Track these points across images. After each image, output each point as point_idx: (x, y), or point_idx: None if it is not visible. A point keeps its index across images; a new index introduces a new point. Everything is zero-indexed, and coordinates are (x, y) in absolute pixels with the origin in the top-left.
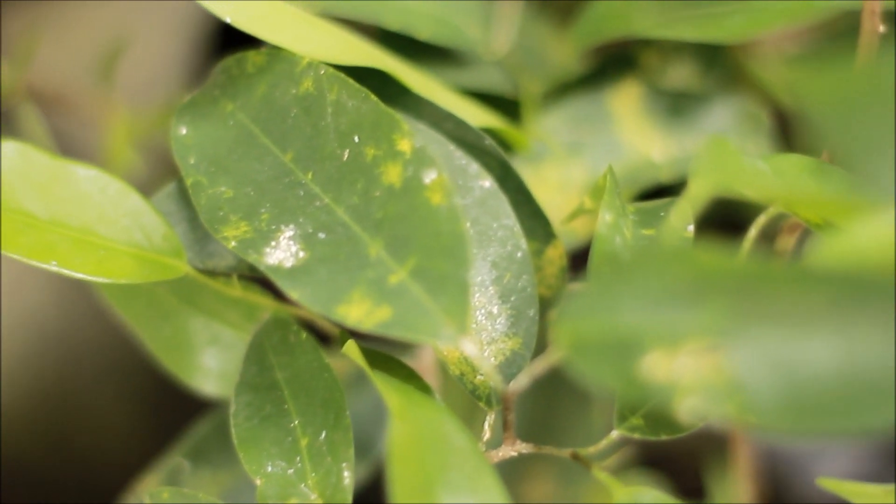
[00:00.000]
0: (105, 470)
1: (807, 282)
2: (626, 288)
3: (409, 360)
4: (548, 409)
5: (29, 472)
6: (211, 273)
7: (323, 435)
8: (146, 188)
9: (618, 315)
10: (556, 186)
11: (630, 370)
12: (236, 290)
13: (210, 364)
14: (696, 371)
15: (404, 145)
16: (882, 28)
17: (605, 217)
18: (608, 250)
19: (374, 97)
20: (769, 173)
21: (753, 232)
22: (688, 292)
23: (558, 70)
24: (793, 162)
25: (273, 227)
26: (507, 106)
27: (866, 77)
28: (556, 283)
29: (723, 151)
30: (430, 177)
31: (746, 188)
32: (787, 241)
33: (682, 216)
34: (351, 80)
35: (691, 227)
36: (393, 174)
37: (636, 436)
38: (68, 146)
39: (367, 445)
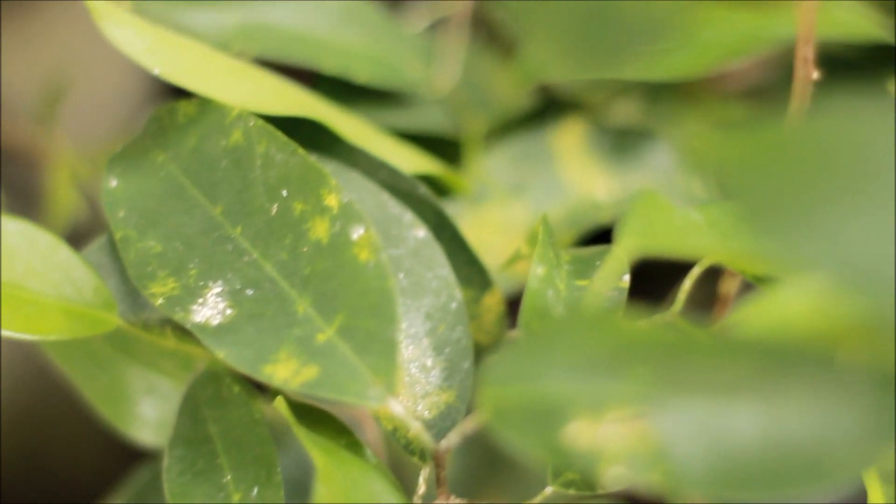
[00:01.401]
0: (77, 486)
1: (730, 351)
2: (550, 354)
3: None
4: (488, 459)
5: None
6: (145, 324)
7: (255, 491)
8: (91, 231)
9: (540, 382)
10: (498, 228)
11: (553, 438)
12: (170, 341)
13: (147, 414)
14: (620, 439)
15: (332, 200)
16: (816, 75)
17: (537, 270)
18: (539, 305)
19: (301, 151)
20: (702, 226)
21: (688, 284)
22: (611, 360)
23: (503, 107)
24: (729, 211)
25: (201, 283)
26: (449, 146)
27: (780, 141)
28: (494, 329)
29: (651, 208)
30: (357, 232)
31: (675, 247)
32: (730, 285)
33: (615, 267)
34: (279, 133)
35: (626, 277)
36: (320, 229)
37: (571, 491)
38: (15, 189)
39: (305, 496)
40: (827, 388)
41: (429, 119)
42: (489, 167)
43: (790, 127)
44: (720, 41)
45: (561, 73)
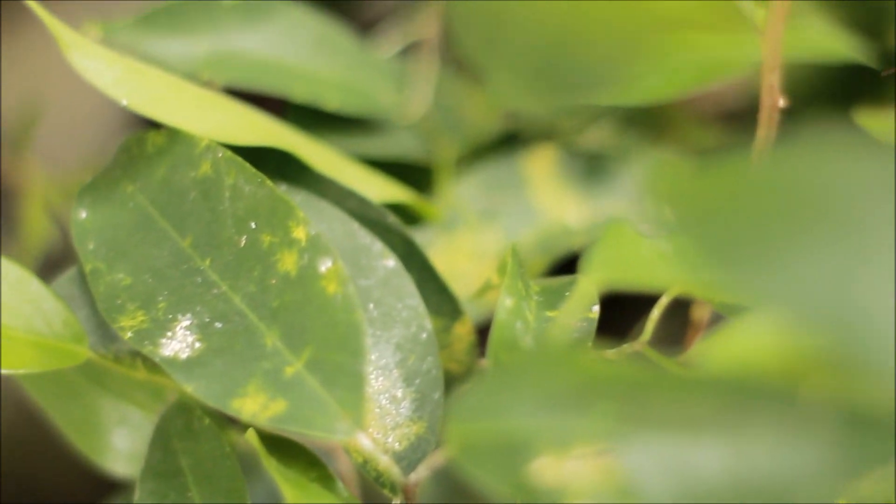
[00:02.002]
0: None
1: (694, 386)
2: (516, 389)
3: None
4: (460, 490)
5: None
6: (115, 356)
7: None
8: (65, 259)
9: (506, 418)
10: (470, 254)
11: (519, 474)
12: (141, 373)
13: (120, 445)
14: (586, 475)
15: (300, 233)
16: (783, 102)
17: (506, 302)
18: (507, 337)
19: (269, 183)
20: (670, 256)
21: (656, 314)
22: (576, 395)
23: (474, 133)
24: None
25: (170, 316)
26: (421, 172)
27: (736, 179)
28: (465, 358)
29: (618, 239)
30: (325, 265)
31: (642, 279)
32: (701, 312)
33: (583, 299)
34: (247, 165)
35: (596, 308)
36: (289, 262)
37: None
38: None
39: None
40: (791, 424)
41: (400, 145)
42: (460, 193)
43: (747, 165)
44: (692, 65)
45: (525, 104)
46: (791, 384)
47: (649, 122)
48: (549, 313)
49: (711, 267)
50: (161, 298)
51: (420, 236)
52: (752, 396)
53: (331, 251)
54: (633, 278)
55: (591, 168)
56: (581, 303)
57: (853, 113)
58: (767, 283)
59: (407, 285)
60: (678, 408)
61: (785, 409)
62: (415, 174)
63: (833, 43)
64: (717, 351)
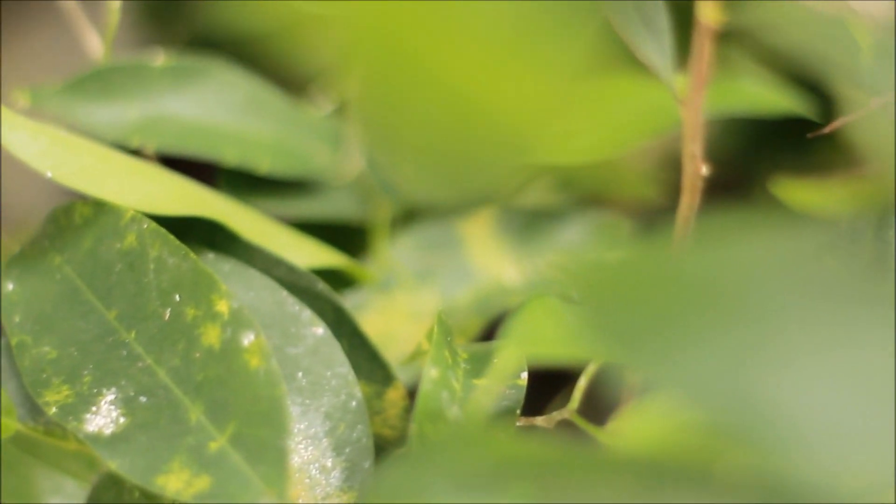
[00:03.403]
0: None
1: (611, 466)
2: (437, 467)
3: None
4: None
5: None
6: (45, 427)
7: None
8: None
9: (426, 498)
10: (406, 315)
11: None
12: (72, 444)
13: None
14: None
15: (222, 306)
16: (705, 170)
17: (431, 373)
18: (432, 408)
19: (192, 255)
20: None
21: (583, 382)
22: (493, 476)
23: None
24: None
25: (95, 390)
26: (357, 233)
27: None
28: (399, 424)
29: (537, 314)
30: (248, 339)
31: (562, 354)
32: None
33: (508, 367)
34: (171, 237)
35: (524, 375)
36: (212, 335)
37: None
38: None
39: None
40: (708, 501)
41: (335, 206)
42: (396, 254)
43: (648, 251)
44: (629, 119)
45: (436, 193)
46: (706, 461)
47: (590, 175)
48: (475, 381)
49: (612, 349)
50: (86, 372)
51: (356, 298)
52: (668, 475)
53: (253, 325)
54: (549, 354)
55: (530, 225)
56: (505, 372)
57: (770, 184)
58: (664, 366)
59: (336, 353)
60: (594, 487)
61: (701, 487)
62: (350, 235)
63: (770, 98)
64: (633, 427)
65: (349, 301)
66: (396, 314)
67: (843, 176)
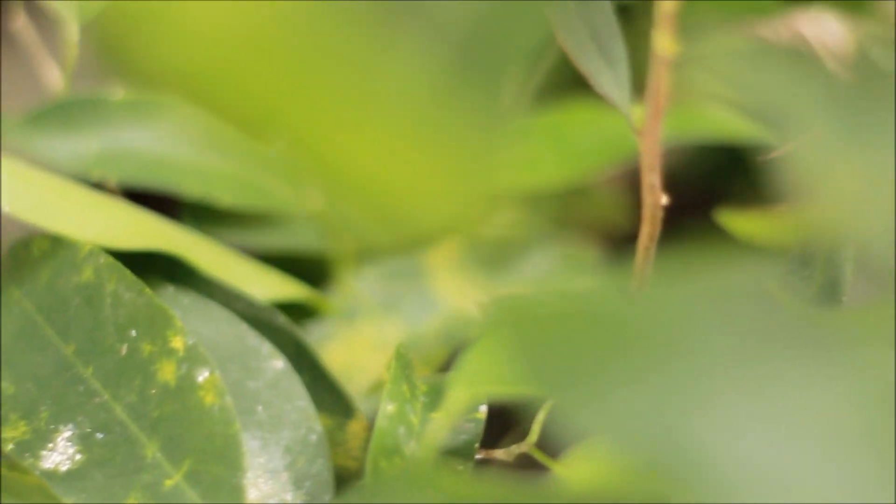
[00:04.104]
0: None
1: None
2: None
3: None
4: None
5: None
6: (6, 461)
7: None
8: None
9: None
10: (371, 346)
11: None
12: (33, 478)
13: None
14: None
15: (177, 342)
16: (665, 200)
17: (387, 408)
18: (388, 444)
19: (148, 291)
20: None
21: (542, 415)
22: None
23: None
24: None
25: (52, 426)
26: (321, 265)
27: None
28: (361, 454)
29: (487, 352)
30: (203, 375)
31: (510, 393)
32: None
33: (460, 402)
34: (128, 272)
35: (483, 408)
36: (168, 372)
37: None
38: None
39: None
40: None
41: (299, 238)
42: (361, 285)
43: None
44: (591, 147)
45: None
46: (650, 500)
47: (558, 206)
48: (434, 415)
49: (544, 389)
50: (44, 408)
51: (320, 328)
52: None
53: (208, 361)
54: (497, 392)
55: (495, 255)
56: (453, 410)
57: (718, 214)
58: (590, 409)
59: (296, 386)
60: None
61: None
62: (315, 266)
63: (732, 124)
64: (582, 465)
65: (313, 331)
66: (361, 344)
67: (788, 205)
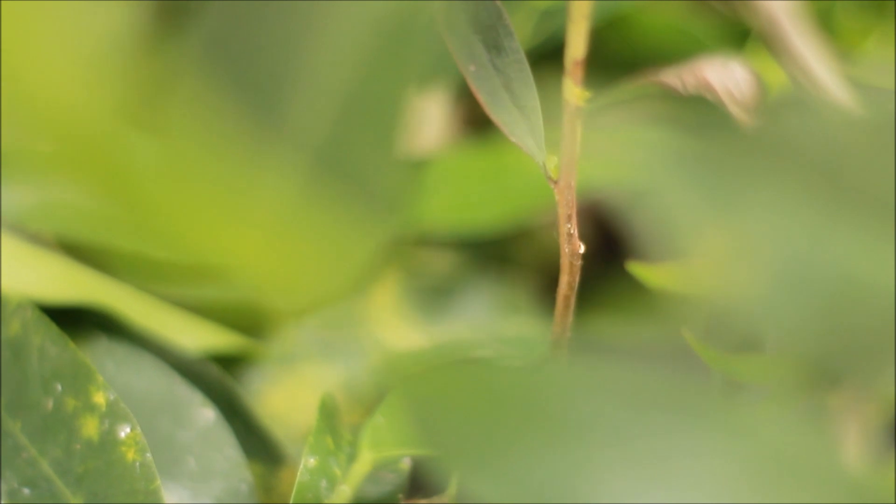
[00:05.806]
0: None
1: None
2: None
3: None
4: None
5: None
6: None
7: None
8: None
9: None
10: (311, 387)
11: None
12: None
13: None
14: None
15: (99, 398)
16: (582, 249)
17: (308, 462)
18: (308, 499)
19: (72, 345)
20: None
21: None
22: None
23: None
24: None
25: None
26: (260, 312)
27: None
28: None
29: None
30: (124, 431)
31: (417, 452)
32: None
33: (364, 468)
34: (54, 326)
35: (407, 460)
36: (91, 427)
37: None
38: None
39: None
40: None
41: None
42: (300, 330)
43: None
44: (531, 188)
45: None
46: None
47: (500, 247)
48: (354, 466)
49: (444, 459)
50: None
51: (259, 373)
52: None
53: (129, 417)
54: (418, 449)
55: (435, 296)
56: (362, 473)
57: (627, 265)
58: (489, 482)
59: (226, 436)
60: None
61: None
62: (253, 314)
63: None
64: None
65: (253, 376)
66: (301, 388)
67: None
